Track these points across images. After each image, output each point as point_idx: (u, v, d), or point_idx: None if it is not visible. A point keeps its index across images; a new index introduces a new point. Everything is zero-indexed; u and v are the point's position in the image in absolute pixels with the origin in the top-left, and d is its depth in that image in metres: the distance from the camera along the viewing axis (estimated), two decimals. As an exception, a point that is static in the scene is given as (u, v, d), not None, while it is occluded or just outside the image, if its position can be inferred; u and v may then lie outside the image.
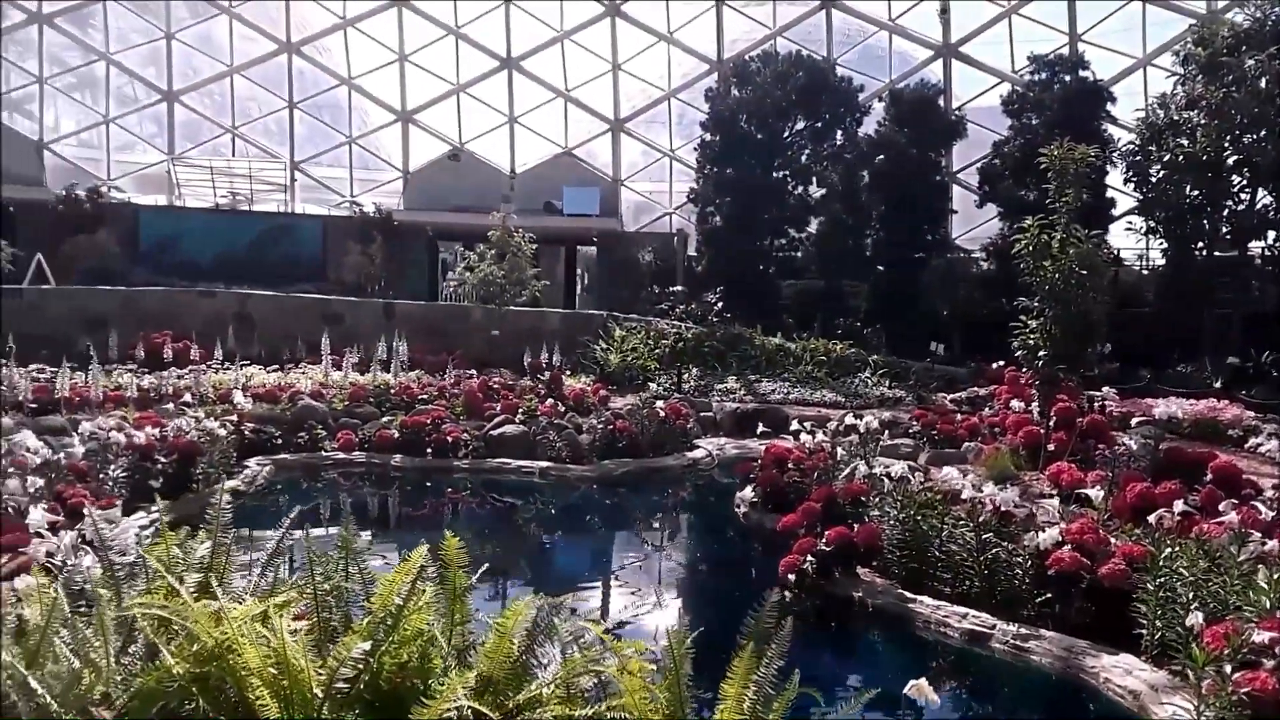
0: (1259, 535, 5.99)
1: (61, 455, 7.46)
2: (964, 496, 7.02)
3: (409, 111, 29.87)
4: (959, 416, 13.51)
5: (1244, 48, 19.67)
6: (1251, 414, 14.31)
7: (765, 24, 29.08)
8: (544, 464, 12.10)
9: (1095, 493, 6.84)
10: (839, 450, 9.32)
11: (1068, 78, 23.02)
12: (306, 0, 30.07)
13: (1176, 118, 19.79)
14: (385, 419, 13.01)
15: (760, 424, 13.13)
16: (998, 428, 11.73)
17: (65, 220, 25.03)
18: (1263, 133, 19.18)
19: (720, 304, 22.71)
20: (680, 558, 9.98)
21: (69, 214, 25.35)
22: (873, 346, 21.57)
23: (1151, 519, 6.17)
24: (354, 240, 27.02)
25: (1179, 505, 6.33)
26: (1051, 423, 10.22)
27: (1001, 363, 15.68)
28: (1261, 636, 4.41)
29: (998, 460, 10.18)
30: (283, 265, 26.73)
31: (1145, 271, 24.09)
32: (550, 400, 13.98)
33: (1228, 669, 4.27)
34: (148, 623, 2.51)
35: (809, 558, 7.38)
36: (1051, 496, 8.67)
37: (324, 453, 12.16)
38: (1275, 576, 5.29)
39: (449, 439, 12.33)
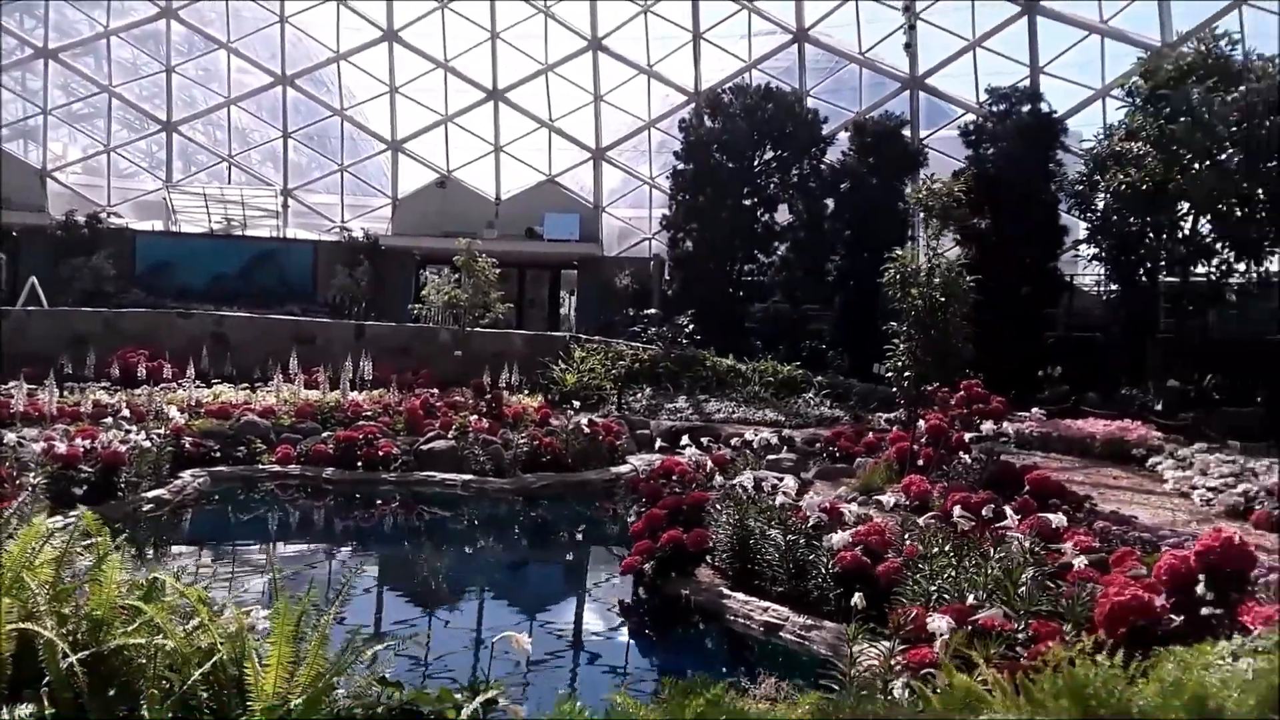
0: (1019, 538, 6.66)
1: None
2: (777, 503, 7.69)
3: (399, 140, 30.97)
4: (871, 434, 14.15)
5: (1191, 79, 20.27)
6: (1159, 435, 14.89)
7: (741, 57, 29.95)
8: (466, 477, 12.85)
9: (887, 499, 7.51)
10: (707, 463, 10.00)
11: (1024, 109, 23.70)
12: (302, 35, 31.27)
13: (1119, 148, 20.37)
14: (325, 434, 13.83)
15: (692, 440, 13.83)
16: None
17: (64, 244, 26.23)
18: (1204, 164, 19.71)
19: (691, 326, 23.44)
20: (546, 561, 10.98)
21: (68, 238, 26.57)
22: (836, 369, 22.24)
23: (921, 521, 6.84)
24: (342, 264, 28.08)
25: (957, 510, 6.97)
26: (923, 439, 10.88)
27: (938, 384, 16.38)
28: (935, 619, 5.07)
29: (872, 474, 10.88)
30: (274, 288, 27.85)
31: (1104, 298, 24.59)
32: (484, 417, 14.72)
33: (885, 645, 4.94)
34: None
35: (647, 559, 8.09)
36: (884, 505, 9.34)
37: (261, 466, 12.98)
38: (990, 570, 5.99)
39: (380, 453, 13.11)
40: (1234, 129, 19.20)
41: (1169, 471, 12.54)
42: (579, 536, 12.23)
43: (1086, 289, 25.35)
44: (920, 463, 10.48)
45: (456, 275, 21.17)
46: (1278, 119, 19.84)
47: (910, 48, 25.70)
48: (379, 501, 12.53)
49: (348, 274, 27.68)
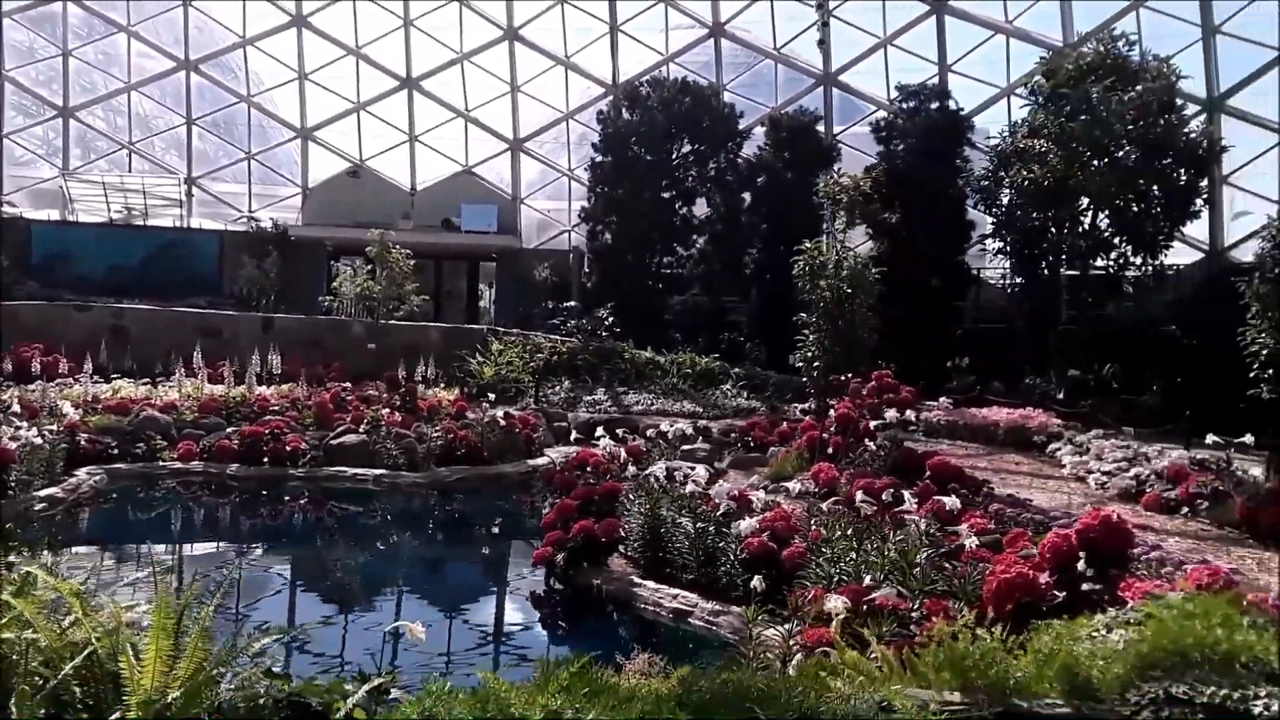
0: (917, 520, 6.83)
1: None
2: (688, 491, 7.75)
3: (309, 128, 30.25)
4: (785, 424, 14.34)
5: (1090, 79, 21.02)
6: (1059, 422, 15.44)
7: (659, 51, 30.02)
8: (378, 471, 12.63)
9: (794, 486, 7.63)
10: (622, 454, 10.02)
11: (933, 106, 24.26)
12: (206, 19, 30.30)
13: (1022, 145, 21.03)
14: (230, 430, 13.45)
15: (609, 432, 13.82)
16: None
17: (-48, 235, 25.00)
18: (1102, 160, 20.46)
19: (610, 319, 23.42)
20: (460, 555, 10.95)
21: (-44, 229, 25.32)
22: (753, 361, 22.46)
23: (825, 507, 6.97)
24: (250, 255, 27.30)
25: (860, 495, 7.12)
26: (833, 428, 11.08)
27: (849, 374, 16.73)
28: (831, 599, 5.17)
29: (784, 462, 11.04)
30: (177, 280, 26.94)
31: (1009, 290, 25.34)
32: (398, 410, 14.50)
33: (785, 627, 5.02)
34: None
35: (559, 550, 8.08)
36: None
37: (161, 463, 12.56)
38: (888, 553, 6.13)
39: (288, 448, 12.81)
40: (1130, 127, 20.01)
41: (1067, 457, 13.00)
42: (494, 530, 12.15)
43: (992, 282, 26.11)
44: (830, 450, 10.65)
45: (370, 267, 20.82)
46: (1171, 118, 20.77)
47: (823, 44, 25.99)
48: (287, 498, 12.25)
49: (255, 265, 26.91)
